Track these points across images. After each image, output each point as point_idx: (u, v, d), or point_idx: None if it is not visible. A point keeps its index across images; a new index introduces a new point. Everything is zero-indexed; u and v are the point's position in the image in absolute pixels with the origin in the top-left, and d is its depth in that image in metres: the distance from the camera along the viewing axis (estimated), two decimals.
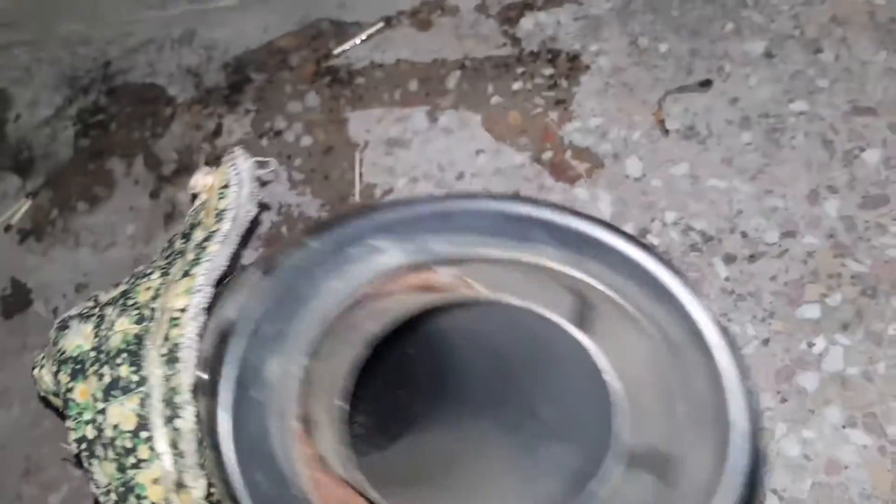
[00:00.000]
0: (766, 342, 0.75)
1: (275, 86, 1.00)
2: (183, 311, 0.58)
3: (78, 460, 0.61)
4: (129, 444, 0.57)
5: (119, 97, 1.07)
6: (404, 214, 0.52)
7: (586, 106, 0.89)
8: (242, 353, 0.49)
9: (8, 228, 1.05)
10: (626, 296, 0.51)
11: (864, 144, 0.80)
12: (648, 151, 0.85)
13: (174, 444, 0.56)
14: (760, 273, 0.78)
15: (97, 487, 0.59)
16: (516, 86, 0.93)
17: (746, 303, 0.77)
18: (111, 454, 0.58)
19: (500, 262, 0.52)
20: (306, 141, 0.96)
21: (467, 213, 0.52)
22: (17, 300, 1.00)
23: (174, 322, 0.57)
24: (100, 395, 0.59)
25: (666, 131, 0.86)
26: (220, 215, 0.63)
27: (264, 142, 0.97)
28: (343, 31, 1.02)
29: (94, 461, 0.59)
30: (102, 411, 0.58)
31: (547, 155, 0.88)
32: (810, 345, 0.75)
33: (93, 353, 0.60)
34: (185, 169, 0.99)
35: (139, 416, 0.57)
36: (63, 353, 0.62)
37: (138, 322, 0.59)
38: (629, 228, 0.82)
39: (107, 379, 0.59)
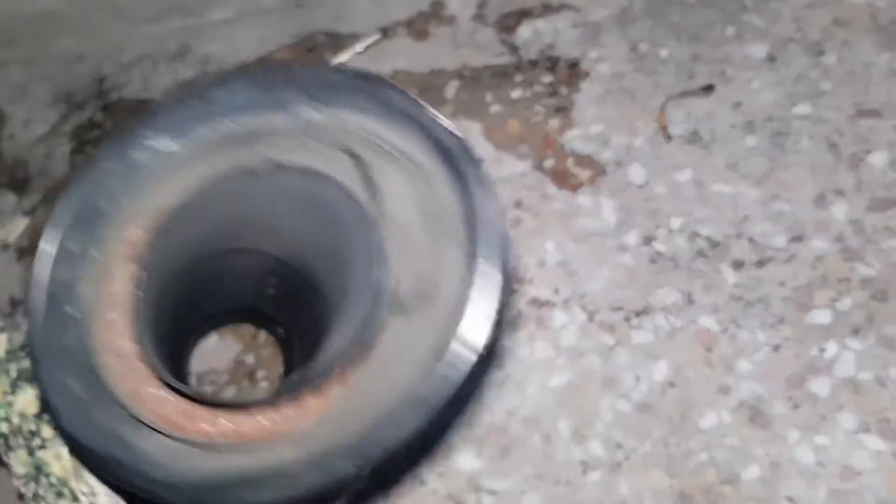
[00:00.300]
0: (776, 348, 0.74)
1: None
2: None
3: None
4: (33, 427, 0.62)
5: (114, 113, 1.06)
6: (171, 110, 0.55)
7: (587, 113, 0.89)
8: (51, 272, 0.51)
9: (6, 247, 1.04)
10: (386, 140, 0.53)
11: (870, 147, 0.80)
12: (651, 157, 0.84)
13: None
14: (769, 278, 0.77)
15: (17, 479, 0.62)
16: (515, 94, 0.92)
17: (755, 309, 0.76)
18: (21, 441, 0.62)
19: (267, 131, 0.54)
20: None
21: (227, 93, 0.54)
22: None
23: None
24: (8, 388, 0.63)
25: (669, 137, 0.85)
26: None
27: None
28: (339, 42, 1.01)
29: (11, 454, 0.63)
30: (11, 403, 0.63)
31: (549, 163, 0.87)
32: (821, 350, 0.74)
33: (5, 356, 0.65)
34: None
35: (40, 399, 0.62)
36: None
37: None
38: (634, 235, 0.81)
39: (13, 374, 0.64)
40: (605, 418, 0.74)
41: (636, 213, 0.82)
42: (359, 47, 0.99)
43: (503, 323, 0.45)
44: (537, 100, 0.91)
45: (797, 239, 0.78)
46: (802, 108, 0.83)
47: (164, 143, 0.54)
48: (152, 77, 1.07)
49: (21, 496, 0.63)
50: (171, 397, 0.49)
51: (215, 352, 0.80)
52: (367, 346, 0.48)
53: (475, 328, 0.46)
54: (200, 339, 0.79)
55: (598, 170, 0.85)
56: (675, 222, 0.81)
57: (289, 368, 0.74)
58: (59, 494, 0.60)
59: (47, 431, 0.61)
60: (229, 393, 0.79)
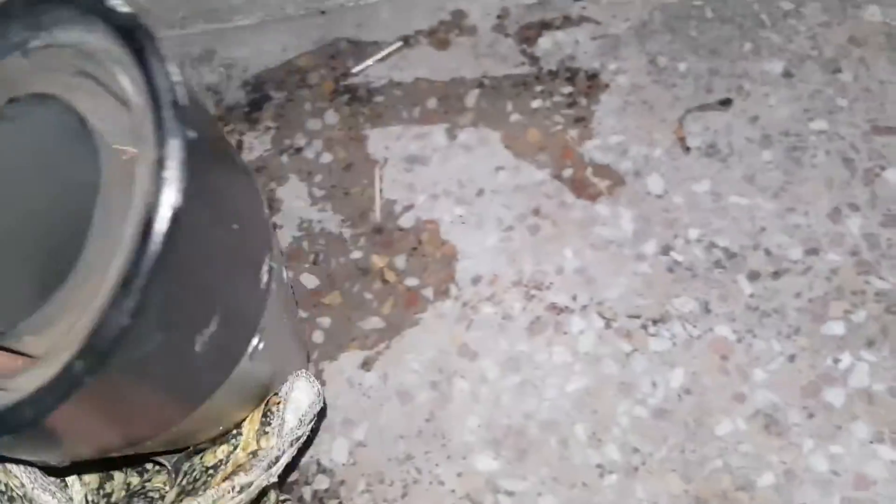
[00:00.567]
0: (791, 358, 0.75)
1: (294, 104, 1.01)
2: None
3: None
4: None
5: None
6: None
7: (606, 124, 0.90)
8: None
9: None
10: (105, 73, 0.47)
11: (885, 163, 0.81)
12: (670, 168, 0.86)
13: None
14: (784, 290, 0.78)
15: None
16: (535, 104, 0.93)
17: (771, 319, 0.77)
18: None
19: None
20: (326, 158, 0.96)
21: None
22: None
23: None
24: None
25: (687, 149, 0.86)
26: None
27: (284, 158, 0.97)
28: (361, 50, 1.03)
29: None
30: None
31: (567, 172, 0.88)
32: (836, 361, 0.75)
33: None
34: None
35: None
36: None
37: None
38: (652, 245, 0.82)
39: None
40: (622, 423, 0.75)
41: (654, 222, 0.84)
42: (381, 55, 1.01)
43: (197, 185, 0.41)
44: (557, 110, 0.92)
45: (812, 251, 0.79)
46: (818, 124, 0.85)
47: None
48: None
49: None
50: None
51: None
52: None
53: (164, 196, 0.41)
54: None
55: (617, 180, 0.87)
56: (693, 233, 0.82)
57: None
58: None
59: None
60: None
